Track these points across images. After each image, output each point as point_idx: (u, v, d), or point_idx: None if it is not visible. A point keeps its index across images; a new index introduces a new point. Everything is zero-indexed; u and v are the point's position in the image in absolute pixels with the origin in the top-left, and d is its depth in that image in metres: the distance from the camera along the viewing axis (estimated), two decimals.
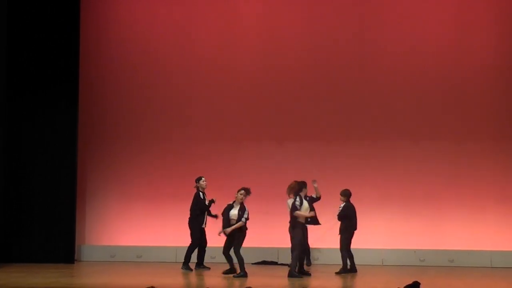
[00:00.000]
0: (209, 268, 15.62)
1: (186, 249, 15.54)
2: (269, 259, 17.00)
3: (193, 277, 14.66)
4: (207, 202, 15.63)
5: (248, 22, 17.91)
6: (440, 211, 17.09)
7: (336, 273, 15.02)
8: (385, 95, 17.48)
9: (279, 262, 16.85)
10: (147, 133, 17.87)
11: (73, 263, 16.71)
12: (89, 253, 17.47)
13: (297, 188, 14.48)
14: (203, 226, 15.62)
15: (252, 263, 16.56)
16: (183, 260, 15.50)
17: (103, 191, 17.82)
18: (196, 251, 15.64)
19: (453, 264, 16.68)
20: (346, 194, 15.19)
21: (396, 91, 17.46)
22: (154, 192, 17.67)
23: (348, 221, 15.08)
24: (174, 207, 17.09)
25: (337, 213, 15.17)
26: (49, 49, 16.97)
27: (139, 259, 17.28)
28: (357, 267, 15.18)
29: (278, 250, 16.93)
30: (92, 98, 17.81)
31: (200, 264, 15.71)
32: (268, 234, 16.87)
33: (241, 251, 14.45)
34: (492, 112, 17.25)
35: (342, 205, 15.18)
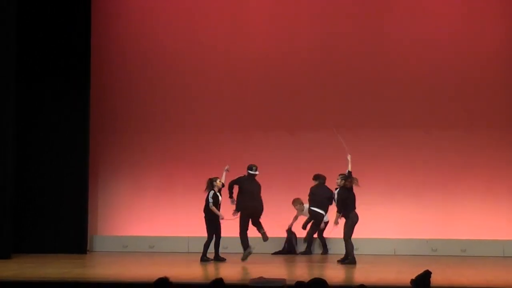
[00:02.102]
0: (224, 259, 15.25)
1: (205, 241, 15.18)
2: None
3: (206, 267, 14.64)
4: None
5: (259, 10, 17.87)
6: (452, 200, 17.07)
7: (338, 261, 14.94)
8: (397, 84, 17.43)
9: (298, 252, 16.80)
10: (158, 123, 17.86)
11: (86, 253, 16.78)
12: (101, 243, 17.49)
13: None
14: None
15: (272, 253, 16.65)
16: (201, 251, 15.18)
17: (115, 181, 17.83)
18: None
19: (465, 254, 16.65)
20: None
21: (408, 80, 17.40)
22: (166, 181, 17.67)
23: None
24: (186, 196, 17.11)
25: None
26: (60, 40, 16.96)
27: (151, 249, 17.29)
28: (369, 257, 15.16)
29: (297, 240, 16.85)
30: (103, 87, 17.81)
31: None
32: (284, 225, 16.86)
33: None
34: (505, 101, 17.19)
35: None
